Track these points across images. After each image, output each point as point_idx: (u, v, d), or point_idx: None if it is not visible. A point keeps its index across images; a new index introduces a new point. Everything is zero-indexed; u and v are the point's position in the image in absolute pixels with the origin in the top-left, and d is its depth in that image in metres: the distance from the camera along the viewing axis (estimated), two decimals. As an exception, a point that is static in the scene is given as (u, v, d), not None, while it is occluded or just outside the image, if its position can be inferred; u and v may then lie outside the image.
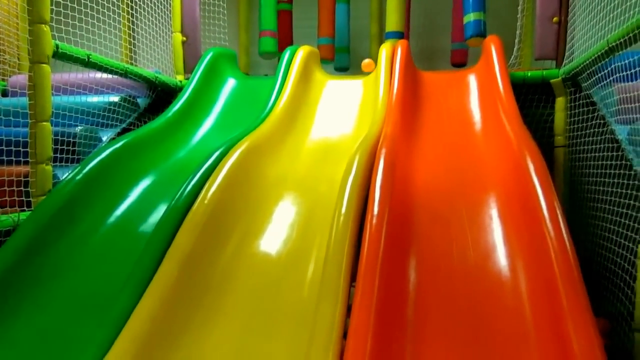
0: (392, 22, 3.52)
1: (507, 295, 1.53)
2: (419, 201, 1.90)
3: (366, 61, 2.53)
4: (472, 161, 2.14)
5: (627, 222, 1.99)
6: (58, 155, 2.29)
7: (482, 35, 3.33)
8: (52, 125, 2.13)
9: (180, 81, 3.34)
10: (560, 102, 2.91)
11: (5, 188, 2.06)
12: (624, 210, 2.03)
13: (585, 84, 2.54)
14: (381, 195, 1.67)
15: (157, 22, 3.33)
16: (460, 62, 3.91)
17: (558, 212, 1.56)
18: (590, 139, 2.50)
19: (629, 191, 2.02)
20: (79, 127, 2.53)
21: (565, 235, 1.51)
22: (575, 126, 2.73)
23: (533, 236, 1.57)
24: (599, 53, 2.21)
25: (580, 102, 2.68)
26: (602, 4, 2.29)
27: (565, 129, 2.88)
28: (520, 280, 1.54)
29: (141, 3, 3.24)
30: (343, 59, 4.10)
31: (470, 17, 3.37)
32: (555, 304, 1.38)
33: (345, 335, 1.35)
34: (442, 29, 4.23)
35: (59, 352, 1.55)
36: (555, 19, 2.98)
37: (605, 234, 2.22)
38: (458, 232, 1.73)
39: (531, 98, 3.06)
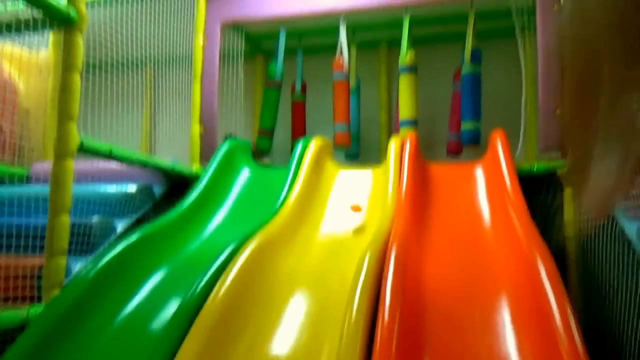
0: (405, 111, 3.66)
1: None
2: (431, 302, 1.88)
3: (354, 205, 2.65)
4: (483, 260, 2.14)
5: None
6: (72, 246, 2.34)
7: (477, 143, 3.58)
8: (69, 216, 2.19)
9: (196, 170, 3.45)
10: (568, 193, 2.94)
11: (18, 282, 2.08)
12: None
13: (592, 177, 2.58)
14: (392, 300, 1.67)
15: (176, 114, 3.50)
16: (455, 151, 4.03)
17: (570, 320, 1.54)
18: (601, 231, 2.50)
19: (644, 291, 1.99)
20: (95, 218, 2.60)
21: (578, 344, 1.48)
22: (584, 217, 2.73)
23: (546, 346, 1.54)
24: (603, 151, 2.26)
25: (588, 194, 2.71)
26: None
27: (575, 220, 2.89)
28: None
29: (162, 96, 3.44)
30: (353, 147, 4.23)
31: (467, 125, 3.58)
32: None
33: None
34: (439, 119, 4.40)
35: None
36: (558, 111, 3.09)
37: (620, 330, 2.15)
38: (471, 338, 1.69)
39: (539, 188, 3.10)
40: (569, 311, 1.57)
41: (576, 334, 1.50)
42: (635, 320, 2.00)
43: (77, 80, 2.29)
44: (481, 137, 3.65)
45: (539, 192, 3.09)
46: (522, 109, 3.41)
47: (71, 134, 2.26)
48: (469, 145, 3.63)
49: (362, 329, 1.61)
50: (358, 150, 4.40)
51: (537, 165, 3.04)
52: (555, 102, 3.11)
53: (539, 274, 1.74)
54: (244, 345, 1.78)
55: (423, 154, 3.13)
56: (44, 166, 3.07)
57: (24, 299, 2.09)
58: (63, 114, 2.25)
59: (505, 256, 2.08)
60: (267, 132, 4.11)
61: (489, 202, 2.58)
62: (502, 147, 2.79)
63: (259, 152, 4.12)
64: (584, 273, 2.80)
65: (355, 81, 4.28)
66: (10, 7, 2.78)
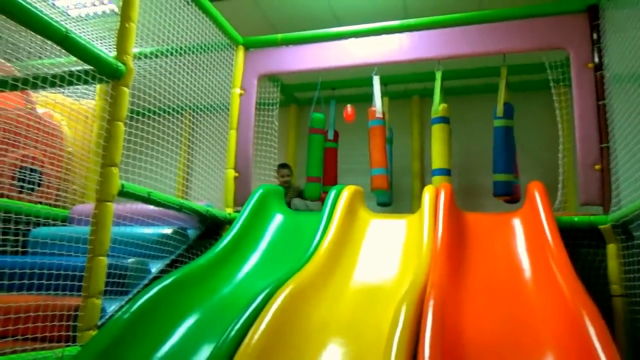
0: (438, 161, 3.67)
1: None
2: (470, 357, 1.79)
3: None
4: (524, 314, 2.04)
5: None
6: (108, 287, 2.36)
7: (509, 194, 3.63)
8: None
9: (230, 214, 3.49)
10: (612, 249, 2.83)
11: (55, 322, 2.10)
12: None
13: (638, 233, 2.48)
14: (431, 355, 1.60)
15: (211, 159, 3.59)
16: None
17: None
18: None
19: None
20: (130, 259, 2.63)
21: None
22: (632, 275, 2.61)
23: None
24: (649, 205, 2.19)
25: (634, 250, 2.60)
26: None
27: (620, 277, 2.76)
28: None
29: (198, 142, 3.54)
30: (386, 195, 4.23)
31: (500, 177, 3.66)
32: None
33: None
34: (483, 163, 4.37)
35: None
36: (597, 166, 3.03)
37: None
38: (515, 398, 1.60)
39: (580, 243, 3.00)
40: (623, 374, 1.47)
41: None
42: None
43: (121, 129, 2.40)
44: (519, 191, 3.62)
45: (580, 246, 2.98)
46: (559, 162, 3.35)
47: (113, 178, 2.34)
48: (501, 196, 3.60)
49: (401, 383, 1.54)
50: (391, 198, 4.39)
51: (577, 218, 2.95)
52: (593, 156, 3.06)
53: (587, 332, 1.65)
54: (277, 396, 1.72)
55: (465, 202, 3.10)
56: (84, 208, 3.16)
57: (59, 339, 2.10)
58: (107, 161, 2.34)
59: (548, 310, 1.99)
60: (315, 179, 4.22)
61: (529, 253, 2.50)
62: (541, 197, 2.73)
63: (310, 199, 4.25)
64: (632, 334, 2.64)
65: (389, 131, 4.34)
66: (63, 60, 2.96)
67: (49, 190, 3.20)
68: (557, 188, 3.30)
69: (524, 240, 2.63)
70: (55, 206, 3.30)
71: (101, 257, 2.23)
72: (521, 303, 2.13)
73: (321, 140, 4.27)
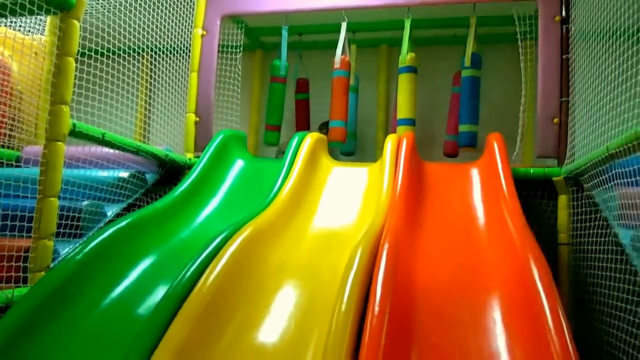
0: (403, 110, 3.66)
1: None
2: (421, 299, 1.86)
3: None
4: (475, 260, 2.12)
5: (631, 329, 1.93)
6: (61, 229, 2.30)
7: (473, 146, 3.64)
8: (58, 200, 2.16)
9: (190, 159, 3.42)
10: (562, 200, 2.94)
11: (4, 263, 2.04)
12: (630, 317, 1.98)
13: (588, 184, 2.58)
14: (382, 294, 1.65)
15: (171, 102, 3.47)
16: (452, 153, 4.05)
17: (562, 321, 1.52)
18: (595, 239, 2.49)
19: (635, 297, 1.98)
20: (85, 202, 2.56)
21: (570, 346, 1.46)
22: (579, 225, 2.73)
23: (537, 346, 1.52)
24: (599, 158, 2.26)
25: (584, 201, 2.71)
26: (602, 112, 2.37)
27: (568, 227, 2.88)
28: (525, 393, 1.47)
29: (158, 84, 3.40)
30: (349, 144, 4.22)
31: (465, 127, 3.67)
32: None
33: None
34: (437, 120, 4.42)
35: None
36: (555, 120, 3.09)
37: (609, 339, 2.15)
38: (461, 336, 1.67)
39: (534, 194, 3.10)
40: (561, 313, 1.55)
41: (568, 336, 1.49)
42: (625, 329, 1.99)
43: (71, 64, 2.26)
44: (478, 141, 3.67)
45: (534, 197, 3.09)
46: (520, 114, 3.40)
47: (64, 117, 2.23)
48: (466, 147, 3.67)
49: (352, 321, 1.58)
50: (354, 147, 4.39)
51: (533, 170, 3.03)
52: (553, 110, 3.12)
53: (532, 276, 1.72)
54: (232, 333, 1.75)
55: (419, 154, 3.12)
56: (35, 149, 3.03)
57: (9, 280, 2.05)
58: (56, 98, 2.23)
59: (498, 257, 2.07)
60: (273, 127, 4.23)
61: (484, 202, 2.57)
62: (499, 149, 2.78)
63: (269, 145, 4.29)
64: (575, 280, 2.80)
65: (354, 79, 4.27)
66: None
67: (-4, 130, 3.04)
68: (517, 140, 3.36)
69: (480, 189, 2.70)
70: (5, 147, 3.15)
71: (52, 199, 2.15)
72: (473, 249, 2.21)
73: (281, 89, 4.21)
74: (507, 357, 1.59)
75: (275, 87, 4.23)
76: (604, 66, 2.41)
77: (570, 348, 1.46)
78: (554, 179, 2.94)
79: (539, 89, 3.16)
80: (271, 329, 1.82)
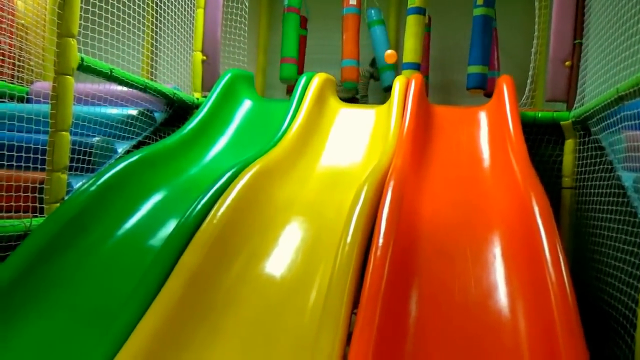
0: (409, 53, 3.60)
1: (506, 335, 1.54)
2: (425, 234, 1.92)
3: (389, 52, 2.56)
4: (479, 198, 2.16)
5: (630, 269, 2.00)
6: (73, 164, 2.36)
7: (483, 88, 3.55)
8: (70, 135, 2.20)
9: (197, 98, 3.42)
10: (569, 144, 2.95)
11: (21, 194, 2.11)
12: (628, 257, 2.04)
13: (595, 128, 2.58)
14: (387, 227, 1.70)
15: (178, 40, 3.42)
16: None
17: (560, 256, 1.58)
18: (598, 183, 2.52)
19: (633, 238, 2.03)
20: (96, 138, 2.60)
21: (565, 279, 1.52)
22: (583, 169, 2.75)
23: (534, 278, 1.59)
24: (609, 100, 2.25)
25: (589, 145, 2.72)
26: (614, 53, 2.34)
27: (573, 171, 2.91)
28: (519, 321, 1.55)
29: (165, 22, 3.34)
30: (387, 78, 4.16)
31: (474, 69, 3.57)
32: (552, 347, 1.39)
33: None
34: (460, 61, 4.32)
35: (60, 360, 1.57)
36: (567, 62, 3.04)
37: (607, 279, 2.22)
38: (461, 268, 1.75)
39: (541, 138, 3.11)
40: (559, 247, 1.61)
41: (564, 269, 1.54)
42: (623, 272, 2.05)
43: (76, -5, 2.23)
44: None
45: (540, 142, 3.09)
46: (532, 57, 3.34)
47: (71, 50, 2.22)
48: (475, 89, 3.59)
49: (357, 253, 1.65)
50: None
51: (541, 114, 3.02)
52: (565, 52, 3.06)
53: (532, 211, 1.77)
54: (241, 263, 1.83)
55: (441, 99, 3.10)
56: (44, 85, 3.03)
57: (26, 210, 2.12)
58: (63, 31, 2.21)
59: (500, 195, 2.11)
60: (292, 60, 4.05)
61: (490, 144, 2.58)
62: (508, 92, 2.76)
63: (285, 80, 4.09)
64: (576, 223, 2.85)
65: (377, 12, 4.15)
66: None
67: (3, 65, 3.03)
68: (527, 84, 3.32)
69: (488, 132, 2.71)
70: (13, 83, 3.15)
71: (64, 132, 2.18)
72: (477, 188, 2.25)
73: (296, 20, 4.05)
74: (504, 288, 1.67)
75: (290, 18, 4.06)
76: (619, 6, 2.34)
77: (566, 281, 1.52)
78: (561, 122, 2.93)
79: (553, 30, 3.09)
80: (279, 261, 1.90)
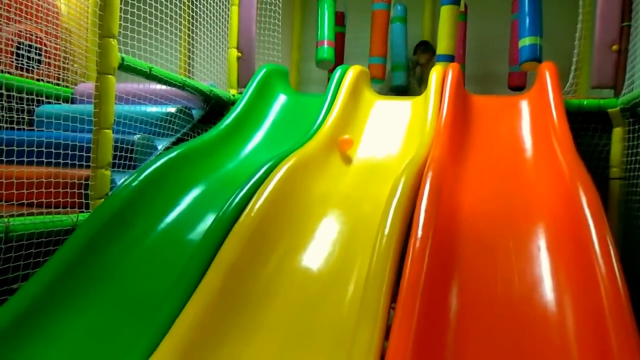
0: (443, 45, 3.52)
1: (553, 331, 1.48)
2: (465, 227, 1.87)
3: (346, 137, 2.50)
4: (521, 189, 2.09)
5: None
6: (116, 161, 2.43)
7: (538, 59, 3.28)
8: (112, 133, 2.27)
9: (233, 95, 3.46)
10: (617, 133, 2.81)
11: (67, 190, 2.19)
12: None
13: (646, 115, 2.45)
14: (425, 219, 1.67)
15: (214, 38, 3.47)
16: (518, 85, 3.86)
17: (610, 247, 1.50)
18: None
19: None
20: (137, 136, 2.67)
21: (617, 271, 1.45)
22: (633, 158, 2.62)
23: (583, 271, 1.52)
24: (662, 85, 2.13)
25: (639, 134, 2.59)
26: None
27: (622, 161, 2.78)
28: (567, 317, 1.49)
29: (201, 20, 3.40)
30: (398, 77, 4.10)
31: (526, 41, 3.33)
32: (604, 344, 1.33)
33: (382, 357, 1.35)
34: (499, 52, 4.20)
35: (106, 350, 1.62)
36: (615, 47, 2.90)
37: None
38: (503, 261, 1.69)
39: (586, 127, 2.98)
40: (609, 239, 1.53)
41: (615, 261, 1.47)
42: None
43: (116, -2, 2.29)
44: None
45: (586, 130, 2.96)
46: (575, 42, 3.20)
47: (112, 50, 2.28)
48: (529, 62, 3.31)
49: (395, 245, 1.62)
50: (405, 80, 4.27)
51: (586, 101, 2.89)
52: (612, 36, 2.91)
53: (579, 202, 1.69)
54: (278, 256, 1.84)
55: (481, 90, 3.01)
56: (88, 86, 3.13)
57: (72, 206, 2.21)
58: (104, 31, 2.27)
59: (544, 186, 2.03)
60: (327, 42, 3.89)
61: (533, 133, 2.49)
62: (551, 78, 2.65)
63: (321, 63, 3.90)
64: (625, 215, 2.72)
65: (402, 8, 4.08)
66: None
67: (49, 68, 3.15)
68: (571, 70, 3.18)
69: (529, 121, 2.61)
70: (59, 85, 3.27)
71: (107, 130, 2.25)
72: (519, 179, 2.18)
73: (332, 3, 3.95)
74: (550, 283, 1.60)
75: (325, 1, 3.97)
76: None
77: (617, 273, 1.44)
78: (609, 110, 2.80)
79: (598, 13, 2.95)
80: (316, 254, 1.90)
